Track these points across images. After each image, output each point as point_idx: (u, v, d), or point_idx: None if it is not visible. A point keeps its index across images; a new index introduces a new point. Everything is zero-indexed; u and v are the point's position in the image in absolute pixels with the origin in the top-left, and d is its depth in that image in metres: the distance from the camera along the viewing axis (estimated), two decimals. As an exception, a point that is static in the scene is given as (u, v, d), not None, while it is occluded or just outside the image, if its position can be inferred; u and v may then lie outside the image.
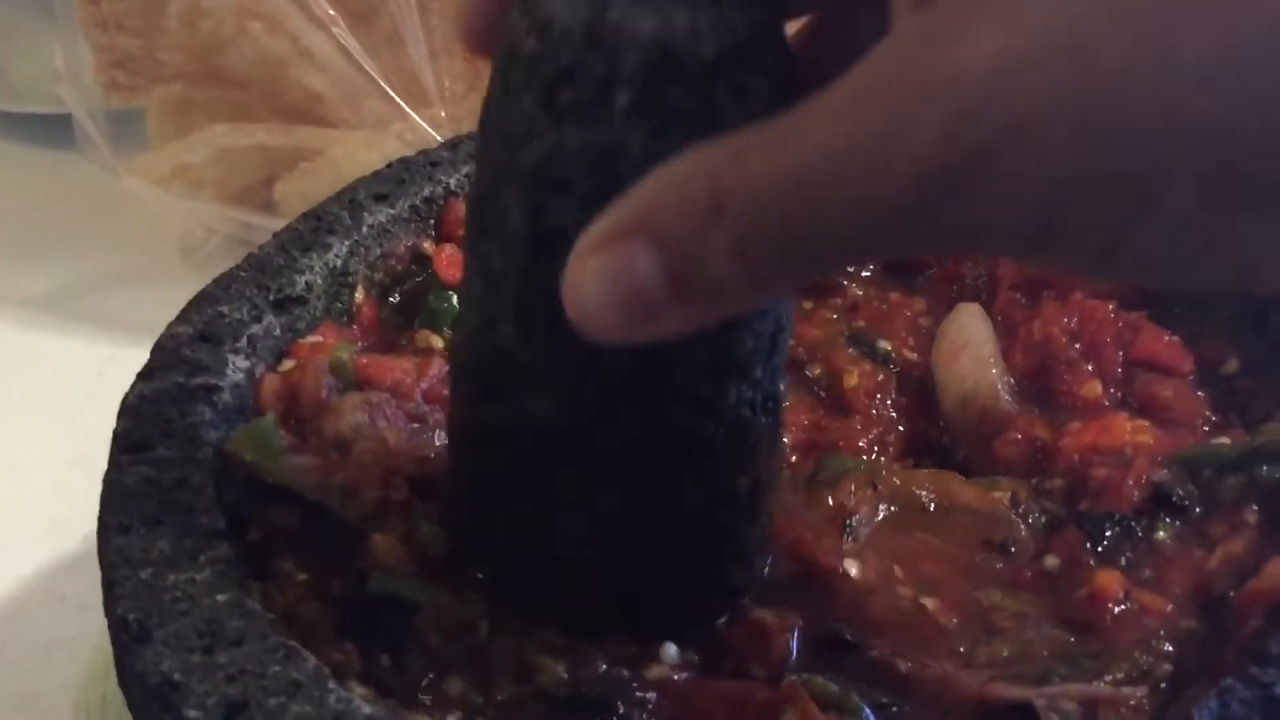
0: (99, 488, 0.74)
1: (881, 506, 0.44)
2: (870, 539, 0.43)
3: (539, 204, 0.34)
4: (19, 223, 0.98)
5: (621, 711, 0.37)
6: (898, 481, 0.45)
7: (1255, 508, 0.43)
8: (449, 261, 0.53)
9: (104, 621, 0.61)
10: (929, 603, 0.41)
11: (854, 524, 0.43)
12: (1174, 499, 0.44)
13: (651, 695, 0.37)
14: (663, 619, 0.40)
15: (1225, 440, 0.46)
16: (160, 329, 0.85)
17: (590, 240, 0.30)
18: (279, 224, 0.85)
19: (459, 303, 0.43)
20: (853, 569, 0.42)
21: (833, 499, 0.44)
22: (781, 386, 0.40)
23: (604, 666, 0.38)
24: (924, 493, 0.44)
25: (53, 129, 1.05)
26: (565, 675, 0.38)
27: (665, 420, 0.37)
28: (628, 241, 0.29)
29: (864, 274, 0.58)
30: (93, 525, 0.71)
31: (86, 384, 0.83)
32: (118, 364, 0.84)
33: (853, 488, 0.44)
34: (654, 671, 0.38)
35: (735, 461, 0.39)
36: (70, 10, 0.84)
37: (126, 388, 0.83)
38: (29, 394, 0.82)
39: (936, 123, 0.25)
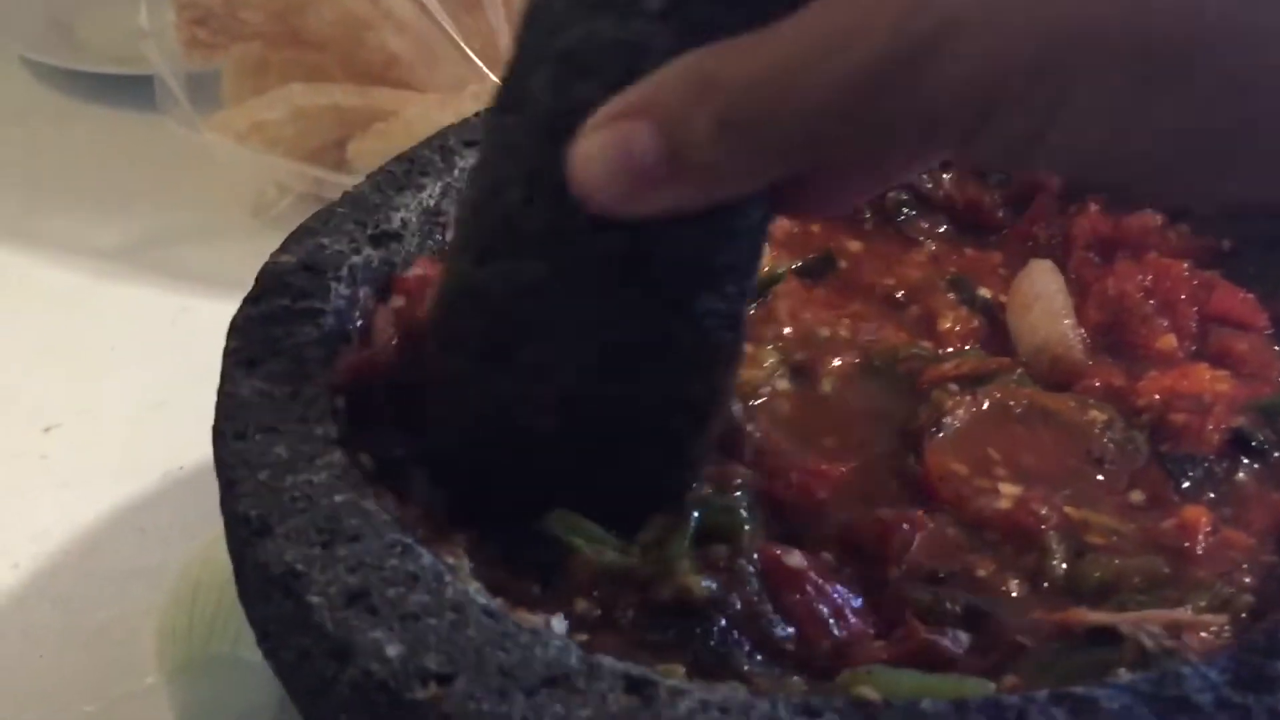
0: (173, 430, 0.77)
1: (975, 411, 0.46)
2: (965, 430, 0.45)
3: (565, 83, 0.37)
4: (94, 178, 1.01)
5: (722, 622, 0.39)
6: (997, 393, 0.46)
7: None
8: None
9: (184, 554, 0.64)
10: (1019, 491, 0.42)
11: (947, 421, 0.45)
12: (1254, 443, 0.45)
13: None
14: (600, 508, 0.41)
15: None
16: (232, 282, 0.87)
17: (599, 117, 0.34)
18: (351, 182, 0.87)
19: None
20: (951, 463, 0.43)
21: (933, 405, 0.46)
22: (748, 311, 0.43)
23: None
24: (1021, 403, 0.46)
25: (126, 88, 1.08)
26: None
27: (640, 309, 0.39)
28: (631, 119, 0.34)
29: (939, 231, 0.60)
30: (169, 465, 0.74)
31: (160, 332, 0.86)
32: (190, 314, 0.87)
33: (953, 389, 0.46)
34: (792, 560, 0.40)
35: (693, 368, 0.41)
36: (155, -32, 0.86)
37: (198, 337, 0.85)
38: (106, 340, 0.85)
39: (889, 18, 0.30)
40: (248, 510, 0.39)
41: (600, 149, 0.34)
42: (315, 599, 0.36)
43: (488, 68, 0.80)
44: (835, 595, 0.39)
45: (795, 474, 0.44)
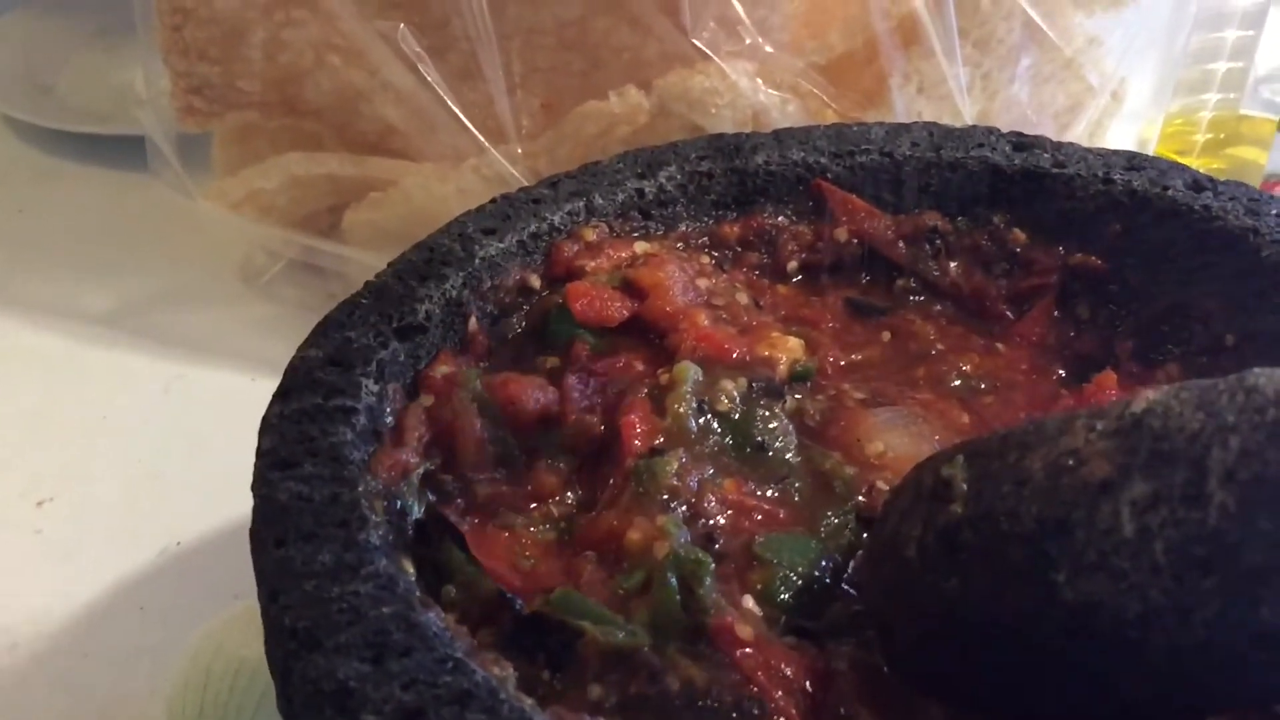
0: (169, 503, 0.77)
1: None
2: None
3: None
4: (80, 240, 1.01)
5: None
6: None
7: None
8: (584, 297, 0.56)
9: (187, 632, 0.64)
10: None
11: None
12: None
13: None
14: None
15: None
16: (224, 350, 0.88)
17: None
18: (344, 250, 0.88)
19: None
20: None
21: None
22: None
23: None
24: None
25: (107, 148, 1.08)
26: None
27: None
28: None
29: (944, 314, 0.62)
30: (167, 540, 0.74)
31: (153, 400, 0.85)
32: (183, 382, 0.87)
33: None
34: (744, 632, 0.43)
35: None
36: (150, 36, 0.86)
37: (191, 405, 0.86)
38: (98, 408, 0.84)
39: None
40: (294, 623, 0.39)
41: None
42: (371, 718, 0.36)
43: (486, 139, 0.81)
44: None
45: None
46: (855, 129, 0.65)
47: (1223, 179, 0.60)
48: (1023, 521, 0.39)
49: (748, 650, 0.42)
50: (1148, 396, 0.38)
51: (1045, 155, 0.62)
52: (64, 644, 0.68)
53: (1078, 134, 0.81)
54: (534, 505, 0.50)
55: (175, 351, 0.89)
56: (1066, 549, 0.37)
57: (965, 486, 0.42)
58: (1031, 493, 0.39)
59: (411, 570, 0.43)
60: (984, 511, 0.40)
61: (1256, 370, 0.36)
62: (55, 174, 1.09)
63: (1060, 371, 0.59)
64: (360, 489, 0.44)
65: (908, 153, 0.63)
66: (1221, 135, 0.96)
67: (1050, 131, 0.81)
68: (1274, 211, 0.56)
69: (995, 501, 0.40)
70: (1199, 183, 0.59)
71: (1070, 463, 0.38)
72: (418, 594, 0.41)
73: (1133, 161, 0.61)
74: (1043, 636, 0.39)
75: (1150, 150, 0.91)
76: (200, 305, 0.93)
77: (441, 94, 0.80)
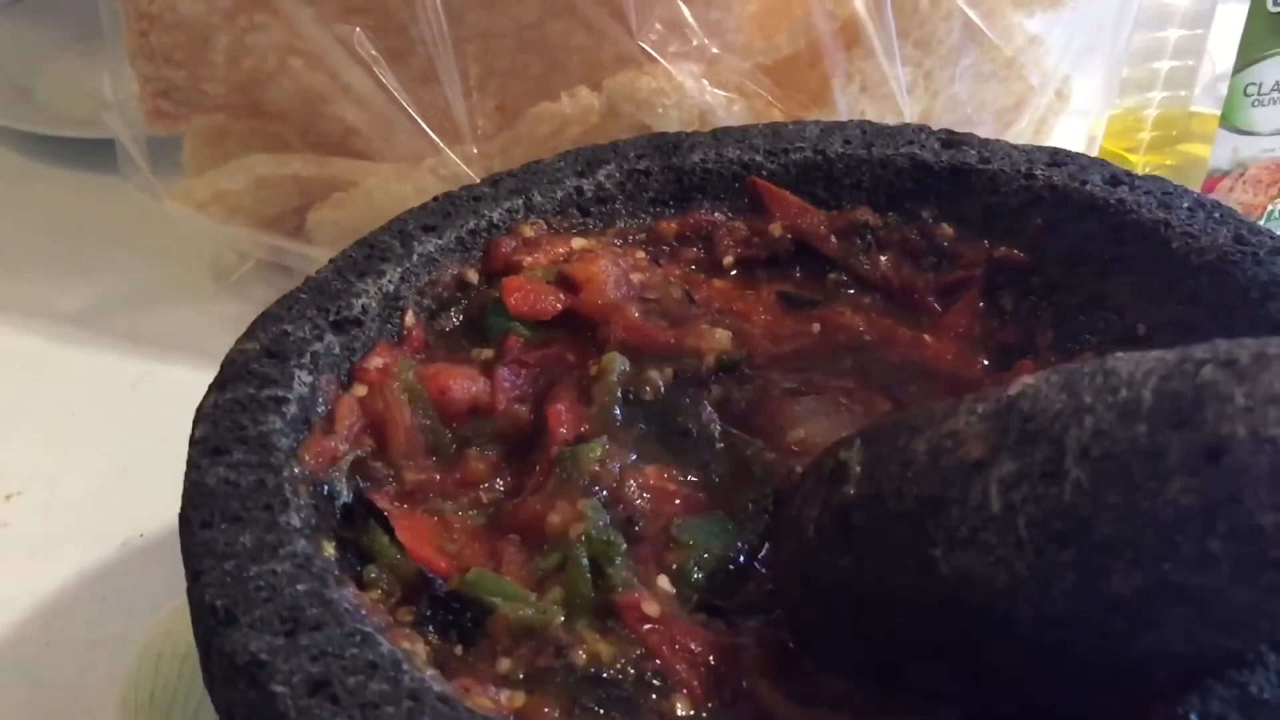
0: (134, 496, 0.79)
1: None
2: None
3: None
4: (54, 241, 1.03)
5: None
6: None
7: None
8: (519, 291, 0.58)
9: (147, 623, 0.66)
10: None
11: None
12: None
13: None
14: None
15: None
16: (193, 347, 0.91)
17: None
18: (309, 250, 0.90)
19: None
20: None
21: None
22: None
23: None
24: None
25: (85, 151, 1.10)
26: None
27: None
28: None
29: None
30: (130, 532, 0.76)
31: (121, 397, 0.87)
32: (151, 379, 0.89)
33: None
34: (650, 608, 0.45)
35: None
36: (118, 41, 0.88)
37: (159, 402, 0.87)
38: (66, 405, 0.86)
39: None
40: (214, 600, 0.41)
41: None
42: (279, 688, 0.38)
43: (442, 141, 0.83)
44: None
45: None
46: (791, 127, 0.67)
47: (1168, 175, 0.62)
48: (906, 501, 0.41)
49: (654, 626, 0.44)
50: (1024, 380, 0.40)
51: (972, 152, 0.64)
52: (26, 634, 0.70)
53: (1020, 131, 0.83)
54: (463, 492, 0.52)
55: (144, 349, 0.91)
56: (943, 525, 0.39)
57: (859, 469, 0.44)
58: (915, 473, 0.41)
59: (332, 551, 0.45)
60: (874, 492, 0.42)
61: (1119, 354, 0.38)
62: (31, 176, 1.11)
63: (984, 361, 0.61)
64: (285, 474, 0.46)
65: (840, 150, 0.65)
66: (1173, 132, 0.98)
67: (993, 129, 0.83)
68: (1185, 205, 0.58)
69: (884, 482, 0.42)
70: (1116, 177, 0.61)
71: (949, 444, 0.40)
72: (334, 573, 0.43)
73: (1055, 157, 0.63)
74: (925, 610, 0.40)
75: (1096, 147, 0.92)
76: (170, 304, 0.95)
77: (398, 96, 0.82)
